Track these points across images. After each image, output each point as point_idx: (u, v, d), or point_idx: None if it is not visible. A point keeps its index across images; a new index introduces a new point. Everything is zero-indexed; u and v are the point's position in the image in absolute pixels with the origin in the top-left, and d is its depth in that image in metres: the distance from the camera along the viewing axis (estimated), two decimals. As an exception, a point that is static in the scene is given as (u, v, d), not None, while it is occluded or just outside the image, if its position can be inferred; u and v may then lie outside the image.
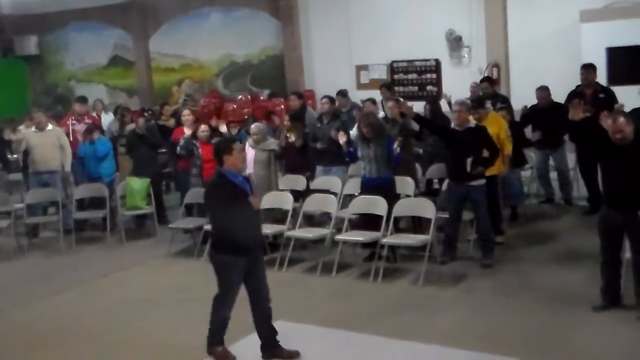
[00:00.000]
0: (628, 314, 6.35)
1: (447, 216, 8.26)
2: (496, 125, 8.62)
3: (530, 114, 10.38)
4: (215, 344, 5.94)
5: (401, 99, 9.87)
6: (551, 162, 10.39)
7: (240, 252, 5.74)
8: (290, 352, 5.95)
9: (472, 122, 8.22)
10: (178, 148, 10.16)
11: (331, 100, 10.49)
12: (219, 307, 5.91)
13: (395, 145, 8.39)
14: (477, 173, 7.89)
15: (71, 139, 11.35)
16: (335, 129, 9.40)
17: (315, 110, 14.37)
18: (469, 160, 7.86)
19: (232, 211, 5.69)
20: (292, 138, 9.53)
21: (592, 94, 9.59)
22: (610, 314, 6.43)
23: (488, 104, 9.67)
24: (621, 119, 6.21)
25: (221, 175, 5.80)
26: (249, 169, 9.34)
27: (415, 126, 9.08)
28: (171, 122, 12.56)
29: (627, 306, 6.45)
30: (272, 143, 9.36)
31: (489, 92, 10.82)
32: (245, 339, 6.19)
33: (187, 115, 10.89)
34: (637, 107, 8.67)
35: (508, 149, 8.75)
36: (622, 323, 6.24)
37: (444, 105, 10.73)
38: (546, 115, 9.94)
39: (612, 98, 9.31)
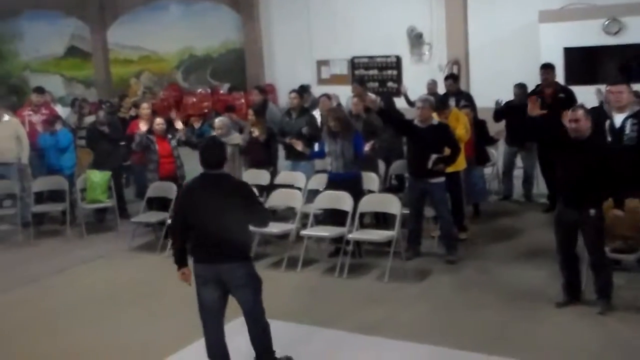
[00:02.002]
0: (589, 309, 6.43)
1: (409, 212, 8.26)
2: (455, 122, 8.65)
3: (505, 110, 10.29)
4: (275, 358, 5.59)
5: (372, 95, 9.85)
6: (517, 159, 10.44)
7: None
8: None
9: (435, 119, 8.25)
10: (133, 144, 9.93)
11: (300, 94, 10.42)
12: (266, 320, 5.49)
13: (367, 148, 8.34)
14: (438, 170, 7.91)
15: (27, 130, 11.10)
16: (306, 123, 9.35)
17: (277, 104, 14.38)
18: (433, 157, 7.86)
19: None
20: (256, 133, 9.47)
21: (552, 94, 9.65)
22: (572, 309, 6.51)
23: (452, 101, 9.71)
24: (580, 110, 6.35)
25: (226, 175, 5.44)
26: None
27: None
28: (132, 113, 12.38)
29: (589, 302, 6.54)
30: (237, 137, 9.29)
31: (453, 89, 10.83)
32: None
33: (146, 109, 10.72)
34: (594, 106, 8.78)
35: (464, 137, 8.68)
36: (584, 319, 6.33)
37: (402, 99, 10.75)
38: (520, 112, 9.96)
39: (571, 97, 9.41)
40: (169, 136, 9.71)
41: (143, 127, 9.85)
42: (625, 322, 6.22)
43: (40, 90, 12.49)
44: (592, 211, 6.27)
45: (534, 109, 6.85)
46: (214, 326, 5.33)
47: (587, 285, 6.66)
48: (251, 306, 5.31)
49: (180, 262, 5.35)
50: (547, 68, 9.96)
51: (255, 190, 5.58)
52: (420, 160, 7.95)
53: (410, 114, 9.62)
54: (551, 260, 7.31)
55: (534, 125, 6.90)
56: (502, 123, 10.32)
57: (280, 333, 6.30)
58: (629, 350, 5.78)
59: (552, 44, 12.31)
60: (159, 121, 9.81)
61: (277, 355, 5.57)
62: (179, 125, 9.89)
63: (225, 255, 5.14)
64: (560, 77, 11.02)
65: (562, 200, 6.64)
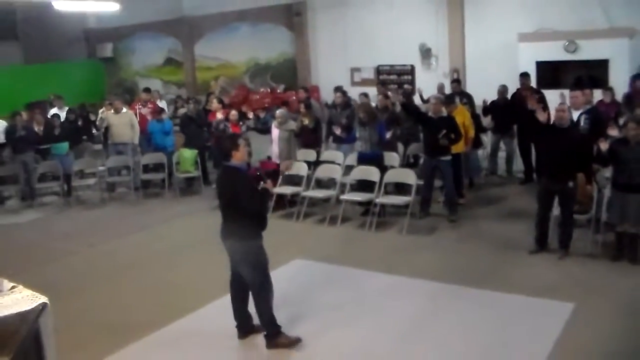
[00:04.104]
0: (553, 256, 6.44)
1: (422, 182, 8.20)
2: (462, 116, 8.57)
3: (490, 107, 10.06)
4: (279, 331, 4.85)
5: (393, 94, 9.75)
6: (501, 144, 10.27)
7: (262, 233, 4.80)
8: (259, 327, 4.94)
9: (444, 112, 8.15)
10: (212, 128, 10.04)
11: (343, 93, 10.25)
12: (267, 295, 4.76)
13: (389, 135, 8.26)
14: (443, 145, 7.75)
15: (138, 119, 11.22)
16: (346, 115, 9.28)
17: (318, 100, 14.33)
18: (443, 132, 7.73)
19: (258, 196, 4.77)
20: (306, 121, 9.45)
21: (528, 95, 9.52)
22: (541, 255, 6.50)
23: (457, 99, 9.59)
24: (565, 105, 6.50)
25: (233, 167, 4.77)
26: (274, 145, 9.27)
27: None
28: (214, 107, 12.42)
29: (553, 250, 6.54)
30: (292, 124, 9.27)
31: (457, 90, 10.63)
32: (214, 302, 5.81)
33: (214, 103, 10.74)
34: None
35: (471, 132, 8.73)
36: (549, 262, 6.33)
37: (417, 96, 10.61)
38: (502, 108, 9.82)
39: (543, 98, 9.25)
40: (241, 123, 9.82)
41: (219, 115, 9.99)
42: (577, 264, 6.25)
43: (147, 90, 12.62)
44: (571, 183, 6.24)
45: (533, 103, 7.00)
46: (233, 285, 5.01)
47: (552, 238, 6.63)
48: (249, 279, 4.77)
49: None
50: (525, 76, 9.94)
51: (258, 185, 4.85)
52: (433, 143, 7.86)
53: (424, 108, 9.59)
54: (525, 219, 7.28)
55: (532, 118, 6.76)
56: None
57: (324, 272, 6.39)
58: (579, 283, 5.83)
59: (528, 58, 12.08)
60: (233, 112, 9.94)
61: (283, 330, 4.88)
62: (250, 115, 10.01)
63: (229, 234, 4.74)
64: (533, 83, 10.83)
65: (546, 174, 6.52)
